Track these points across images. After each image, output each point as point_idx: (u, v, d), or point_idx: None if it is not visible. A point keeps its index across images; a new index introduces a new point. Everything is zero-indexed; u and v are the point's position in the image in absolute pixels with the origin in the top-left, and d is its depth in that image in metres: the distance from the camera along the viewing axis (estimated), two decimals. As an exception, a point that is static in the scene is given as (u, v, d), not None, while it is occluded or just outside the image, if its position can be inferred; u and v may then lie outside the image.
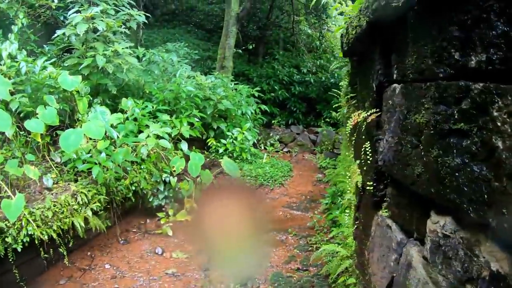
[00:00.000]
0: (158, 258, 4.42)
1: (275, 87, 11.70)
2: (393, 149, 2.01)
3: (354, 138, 3.17)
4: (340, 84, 7.31)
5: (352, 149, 3.72)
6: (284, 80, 12.00)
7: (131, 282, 4.00)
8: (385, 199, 2.35)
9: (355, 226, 3.11)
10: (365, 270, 2.71)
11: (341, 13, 3.84)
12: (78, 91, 4.82)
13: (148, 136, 4.73)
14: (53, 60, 5.33)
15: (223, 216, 4.93)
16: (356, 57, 3.11)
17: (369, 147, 2.40)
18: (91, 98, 5.03)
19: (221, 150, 6.31)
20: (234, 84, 7.96)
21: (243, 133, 6.65)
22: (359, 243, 3.00)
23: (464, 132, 1.39)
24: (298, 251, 4.54)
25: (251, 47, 11.79)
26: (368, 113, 2.39)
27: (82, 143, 4.06)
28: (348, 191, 4.49)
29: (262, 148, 8.35)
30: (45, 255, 3.83)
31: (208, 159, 6.28)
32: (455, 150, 1.44)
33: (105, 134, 4.26)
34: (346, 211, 4.54)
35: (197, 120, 5.86)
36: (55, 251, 3.93)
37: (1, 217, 3.50)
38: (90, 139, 4.48)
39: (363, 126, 2.50)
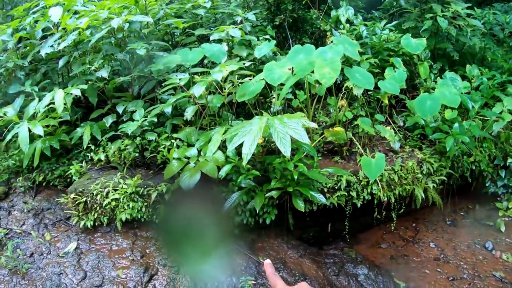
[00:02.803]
0: (486, 254, 3.70)
1: None
2: None
3: None
4: None
5: None
6: None
7: (455, 272, 3.45)
8: None
9: None
10: None
11: None
12: (418, 55, 4.42)
13: (502, 111, 3.93)
14: (395, 22, 5.06)
15: None
16: None
17: None
18: (431, 63, 4.55)
19: None
20: None
21: None
22: None
23: None
24: None
25: None
26: None
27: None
28: None
29: None
30: (377, 216, 3.66)
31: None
32: None
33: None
34: None
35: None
36: (385, 214, 3.74)
37: (352, 170, 3.47)
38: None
39: None
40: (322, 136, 3.44)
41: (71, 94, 3.53)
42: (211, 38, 3.91)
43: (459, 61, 4.83)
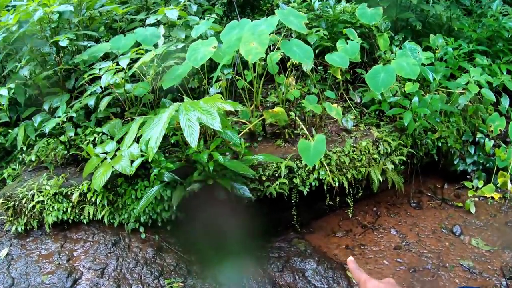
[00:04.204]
0: (454, 239, 3.26)
1: None
2: None
3: None
4: None
5: None
6: None
7: (417, 262, 3.04)
8: None
9: None
10: None
11: None
12: (377, 27, 3.97)
13: (469, 82, 3.45)
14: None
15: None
16: None
17: None
18: (392, 35, 4.07)
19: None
20: None
21: None
22: None
23: None
24: None
25: None
26: None
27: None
28: None
29: None
30: (330, 202, 3.25)
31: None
32: None
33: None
34: None
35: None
36: (340, 200, 3.29)
37: (294, 155, 3.04)
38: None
39: None
40: (261, 118, 3.04)
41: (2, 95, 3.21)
42: (147, 21, 3.51)
43: (424, 32, 4.33)
